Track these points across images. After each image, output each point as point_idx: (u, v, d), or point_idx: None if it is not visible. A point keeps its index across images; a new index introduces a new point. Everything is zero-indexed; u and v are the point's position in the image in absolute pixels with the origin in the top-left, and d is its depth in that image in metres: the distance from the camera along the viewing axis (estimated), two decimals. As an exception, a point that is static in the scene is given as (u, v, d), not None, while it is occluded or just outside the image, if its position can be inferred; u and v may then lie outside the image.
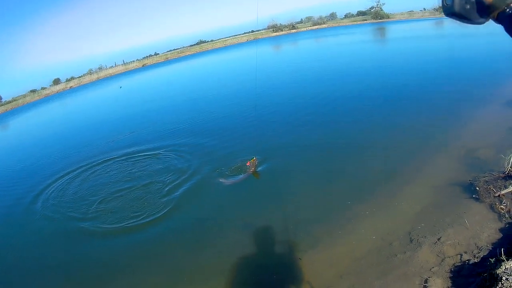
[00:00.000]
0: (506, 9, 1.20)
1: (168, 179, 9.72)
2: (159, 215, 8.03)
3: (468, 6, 1.24)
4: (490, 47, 20.48)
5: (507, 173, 6.88)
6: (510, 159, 6.89)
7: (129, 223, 7.95)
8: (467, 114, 10.33)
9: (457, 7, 1.26)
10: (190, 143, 12.58)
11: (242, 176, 8.76)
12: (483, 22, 1.30)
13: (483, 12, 1.24)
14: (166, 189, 9.21)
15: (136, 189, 9.68)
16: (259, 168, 8.99)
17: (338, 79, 19.15)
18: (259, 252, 6.21)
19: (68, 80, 67.97)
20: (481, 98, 11.39)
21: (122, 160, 12.39)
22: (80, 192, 10.45)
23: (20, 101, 57.12)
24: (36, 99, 57.34)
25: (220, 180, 8.93)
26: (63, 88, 62.67)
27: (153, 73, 53.28)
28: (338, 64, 24.41)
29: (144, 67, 67.40)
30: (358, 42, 36.66)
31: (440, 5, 1.36)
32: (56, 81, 68.27)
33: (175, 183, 9.44)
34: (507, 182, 6.64)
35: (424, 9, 58.58)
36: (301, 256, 5.86)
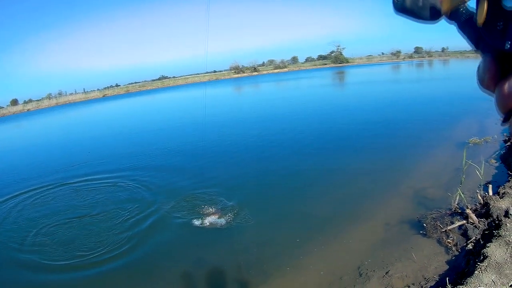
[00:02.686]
0: (460, 9, 1.13)
1: (122, 212, 9.42)
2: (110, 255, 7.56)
3: (420, 3, 1.16)
4: (440, 92, 21.85)
5: (454, 210, 7.18)
6: (456, 197, 7.24)
7: (77, 261, 7.41)
8: (416, 155, 11.00)
9: (408, 3, 1.17)
10: (148, 174, 12.52)
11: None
12: (435, 22, 1.21)
13: (436, 14, 1.16)
14: (120, 222, 8.91)
15: (87, 219, 9.34)
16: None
17: (292, 122, 19.66)
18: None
19: (26, 102, 67.17)
20: (430, 140, 12.13)
21: (67, 188, 12.10)
22: (22, 219, 9.92)
23: None
24: None
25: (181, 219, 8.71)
26: (20, 110, 61.85)
27: (113, 104, 53.51)
28: (294, 107, 25.33)
29: (105, 98, 67.60)
30: (316, 86, 38.47)
31: (391, 0, 1.23)
32: (14, 102, 67.47)
33: (129, 217, 9.13)
34: (454, 219, 6.95)
35: (383, 53, 62.19)
36: None
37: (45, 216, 9.79)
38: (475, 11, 0.99)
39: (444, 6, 1.12)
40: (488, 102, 17.00)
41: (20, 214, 10.33)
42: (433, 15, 1.14)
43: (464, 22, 1.10)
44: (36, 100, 68.94)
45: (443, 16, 1.14)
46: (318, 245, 6.80)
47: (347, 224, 7.48)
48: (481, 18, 0.90)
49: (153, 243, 7.75)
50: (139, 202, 9.99)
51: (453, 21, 1.14)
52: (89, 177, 12.89)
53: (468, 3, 1.12)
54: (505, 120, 0.86)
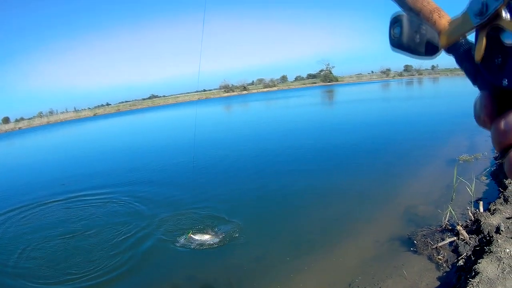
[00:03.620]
0: (459, 41, 1.05)
1: (114, 232, 9.26)
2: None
3: (418, 40, 1.11)
4: (430, 110, 22.08)
5: (444, 227, 7.15)
6: (446, 214, 7.22)
7: (65, 284, 7.16)
8: (406, 173, 11.05)
9: (405, 39, 1.11)
10: (140, 192, 12.44)
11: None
12: (433, 57, 1.12)
13: (433, 49, 1.10)
14: (111, 242, 8.74)
15: (77, 239, 9.14)
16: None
17: (282, 142, 19.59)
18: None
19: (17, 121, 66.84)
20: (420, 158, 12.20)
21: (57, 206, 11.99)
22: (8, 238, 9.72)
23: None
24: None
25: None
26: (12, 128, 61.62)
27: (104, 123, 53.34)
28: (284, 127, 25.40)
29: (95, 116, 67.51)
30: (306, 105, 38.64)
31: (388, 37, 1.15)
32: (5, 120, 67.20)
33: (121, 237, 8.95)
34: (444, 235, 6.93)
35: (372, 72, 62.75)
36: None
37: (33, 235, 9.62)
38: (474, 44, 0.95)
39: (442, 41, 1.06)
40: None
41: (6, 232, 10.17)
42: (431, 50, 1.07)
43: (463, 54, 1.02)
44: (28, 119, 69.23)
45: (441, 50, 1.07)
46: (308, 262, 6.71)
47: (337, 242, 7.41)
48: (479, 54, 0.86)
49: (140, 261, 7.61)
50: (131, 221, 9.86)
51: (451, 54, 1.04)
52: (80, 195, 12.78)
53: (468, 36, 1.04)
54: (500, 157, 0.81)
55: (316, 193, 10.44)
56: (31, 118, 70.01)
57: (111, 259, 7.76)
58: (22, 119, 69.98)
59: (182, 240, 8.27)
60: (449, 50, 1.06)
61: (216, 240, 8.06)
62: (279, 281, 6.30)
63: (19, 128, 62.18)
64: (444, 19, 1.07)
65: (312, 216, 8.90)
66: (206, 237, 8.18)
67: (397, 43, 1.11)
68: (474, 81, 0.98)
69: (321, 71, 70.87)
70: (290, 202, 10.10)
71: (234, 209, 9.82)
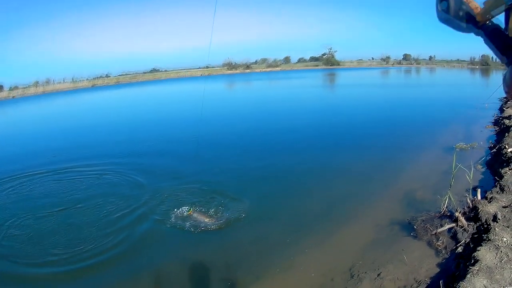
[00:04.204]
0: (487, 22, 1.27)
1: (107, 206, 8.96)
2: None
3: (461, 13, 1.30)
4: (427, 97, 22.12)
5: (443, 213, 7.16)
6: (445, 200, 7.23)
7: (50, 259, 6.85)
8: (406, 158, 11.04)
9: (451, 13, 1.31)
10: (136, 167, 12.07)
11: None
12: (469, 32, 1.35)
13: (472, 23, 1.30)
14: (103, 216, 8.44)
15: (68, 212, 8.80)
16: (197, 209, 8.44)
17: (286, 121, 19.58)
18: None
19: (12, 89, 64.54)
20: (418, 144, 12.21)
21: (55, 175, 11.63)
22: None
23: None
24: None
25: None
26: (5, 96, 59.31)
27: (103, 94, 52.14)
28: (288, 106, 25.23)
29: (94, 87, 65.82)
30: (309, 87, 38.40)
31: (435, 10, 1.39)
32: None
33: (114, 212, 8.66)
34: (443, 221, 6.95)
35: (372, 58, 62.97)
36: None
37: (17, 209, 9.19)
38: (502, 24, 1.23)
39: (478, 18, 1.27)
40: (473, 109, 17.34)
41: None
42: (469, 25, 1.30)
43: (491, 32, 1.24)
44: (22, 88, 66.50)
45: (476, 28, 1.30)
46: (309, 245, 6.71)
47: (337, 225, 7.43)
48: None
49: (137, 241, 7.36)
50: (128, 195, 9.62)
51: (481, 33, 1.29)
52: (73, 166, 12.41)
53: (496, 17, 1.27)
54: None
55: (318, 174, 10.44)
56: (26, 87, 67.44)
57: (103, 238, 7.46)
58: (16, 87, 67.26)
59: (181, 217, 8.04)
60: (480, 29, 1.29)
61: (216, 219, 7.93)
62: (279, 263, 6.27)
63: (13, 96, 59.76)
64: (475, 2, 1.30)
65: (314, 198, 8.87)
66: (206, 215, 8.05)
67: (444, 16, 1.35)
68: (502, 57, 1.18)
69: (323, 54, 70.79)
70: (292, 182, 10.07)
71: (235, 187, 9.71)
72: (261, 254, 6.65)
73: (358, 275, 5.66)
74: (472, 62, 34.85)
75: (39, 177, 11.56)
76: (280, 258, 6.39)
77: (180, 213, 8.19)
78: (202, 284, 6.11)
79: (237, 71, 71.92)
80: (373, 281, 5.49)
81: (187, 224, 7.73)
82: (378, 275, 5.61)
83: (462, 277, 5.15)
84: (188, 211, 8.14)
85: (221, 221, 7.79)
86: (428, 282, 5.32)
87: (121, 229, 7.82)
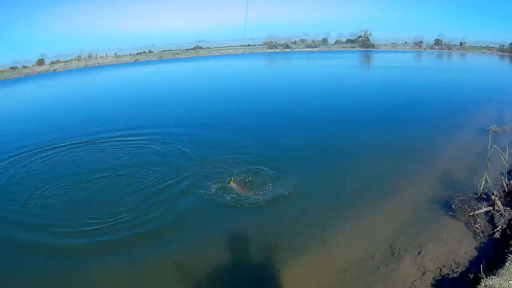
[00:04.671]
0: None
1: (148, 177, 8.93)
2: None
3: None
4: (460, 81, 21.67)
5: (479, 195, 7.11)
6: (482, 182, 7.15)
7: (86, 228, 6.89)
8: (441, 138, 10.93)
9: None
10: (179, 138, 12.04)
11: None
12: None
13: None
14: (143, 187, 8.40)
15: (107, 181, 8.81)
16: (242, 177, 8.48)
17: (330, 99, 19.29)
18: (236, 264, 5.90)
19: (53, 63, 62.92)
20: (453, 125, 12.04)
21: (95, 144, 11.68)
22: (34, 178, 9.35)
23: None
24: (15, 76, 52.44)
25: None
26: (46, 70, 57.71)
27: (146, 69, 50.87)
28: (328, 84, 24.52)
29: (137, 62, 64.49)
30: (348, 67, 37.29)
31: None
32: (40, 62, 62.67)
33: (155, 183, 8.63)
34: (480, 203, 6.90)
35: (406, 42, 61.94)
36: (280, 268, 5.63)
37: (55, 177, 9.26)
38: None
39: None
40: (503, 94, 16.87)
41: (30, 172, 9.77)
42: None
43: None
44: (64, 62, 63.94)
45: None
46: (351, 220, 6.72)
47: (378, 200, 7.40)
48: None
49: (178, 212, 7.36)
50: (169, 165, 9.62)
51: None
52: (115, 136, 12.44)
53: None
54: None
55: (359, 151, 10.34)
56: (68, 61, 64.97)
57: (140, 205, 7.53)
58: (58, 61, 64.68)
59: (224, 189, 7.96)
60: None
61: (259, 191, 7.89)
62: (320, 239, 6.29)
63: (54, 70, 57.71)
64: None
65: (356, 173, 8.80)
66: (248, 188, 8.00)
67: None
68: None
69: (359, 37, 70.03)
70: (334, 159, 10.03)
71: (279, 160, 9.60)
72: (302, 228, 6.65)
73: (399, 252, 5.70)
74: (501, 49, 33.68)
75: (79, 146, 11.60)
76: (322, 233, 6.42)
77: (223, 185, 8.11)
78: (241, 257, 6.12)
79: (277, 50, 70.78)
80: (413, 259, 5.53)
81: (230, 197, 7.68)
82: (419, 253, 5.65)
83: (501, 264, 5.16)
84: (230, 181, 8.05)
85: (264, 194, 7.77)
86: (468, 265, 5.34)
87: (162, 200, 7.80)
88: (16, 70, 57.01)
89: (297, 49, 71.29)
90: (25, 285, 5.64)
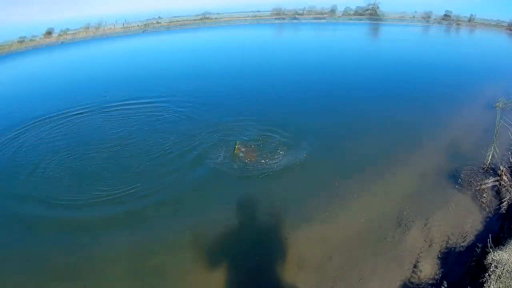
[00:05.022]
0: None
1: (156, 145, 8.80)
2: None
3: None
4: (468, 54, 21.24)
5: (486, 168, 7.00)
6: (489, 156, 7.01)
7: (92, 200, 6.78)
8: (450, 111, 10.71)
9: None
10: (187, 106, 11.74)
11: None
12: None
13: None
14: (153, 155, 8.30)
15: (116, 150, 8.66)
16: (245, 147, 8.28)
17: (337, 70, 18.52)
18: (244, 231, 5.84)
19: (61, 34, 61.26)
20: (462, 98, 11.84)
21: (103, 113, 11.46)
22: (42, 148, 9.14)
23: (5, 49, 50.06)
24: (22, 49, 51.15)
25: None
26: (54, 40, 56.46)
27: (154, 39, 49.61)
28: (340, 58, 23.83)
29: (145, 33, 62.63)
30: (356, 39, 36.08)
31: None
32: (48, 33, 61.03)
33: (165, 151, 8.50)
34: (487, 177, 6.86)
35: (415, 13, 60.90)
36: (287, 235, 5.58)
37: (61, 147, 9.09)
38: None
39: None
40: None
41: (36, 142, 9.53)
42: None
43: None
44: (72, 33, 61.67)
45: None
46: (358, 190, 6.61)
47: (386, 171, 7.25)
48: None
49: (186, 183, 7.21)
50: (177, 134, 9.37)
51: None
52: (122, 104, 12.12)
53: None
54: None
55: (369, 123, 10.02)
56: (76, 30, 62.46)
57: (149, 179, 7.34)
58: (67, 30, 62.07)
59: (233, 156, 7.84)
60: None
61: (267, 158, 7.75)
62: (327, 207, 6.20)
63: (62, 41, 55.65)
64: None
65: (364, 145, 8.59)
66: (253, 151, 7.88)
67: None
68: None
69: (367, 9, 69.02)
70: (344, 129, 9.75)
71: (287, 127, 9.39)
72: (309, 196, 6.55)
73: (406, 223, 5.62)
74: (510, 27, 32.78)
75: (87, 115, 11.33)
76: (329, 201, 6.32)
77: (230, 153, 7.96)
78: (249, 222, 6.07)
79: (285, 20, 69.01)
80: (420, 230, 5.45)
81: (237, 165, 7.55)
82: (425, 224, 5.57)
83: (508, 238, 5.10)
84: (234, 148, 7.90)
85: (272, 162, 7.63)
86: (474, 238, 5.29)
87: (171, 171, 7.63)
88: (24, 43, 55.36)
89: (304, 20, 70.13)
90: (33, 259, 5.50)
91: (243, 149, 7.92)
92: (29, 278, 5.14)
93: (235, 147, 7.91)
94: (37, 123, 10.82)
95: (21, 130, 10.38)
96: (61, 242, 5.80)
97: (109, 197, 6.73)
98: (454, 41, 26.15)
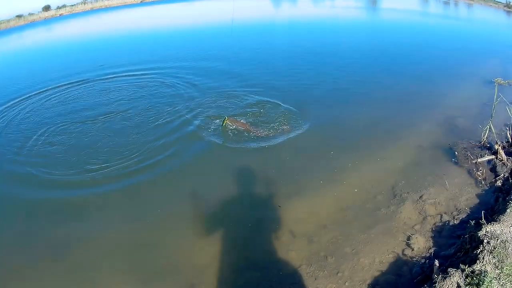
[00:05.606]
0: None
1: (151, 116, 8.72)
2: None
3: None
4: (470, 29, 20.92)
5: (483, 144, 6.89)
6: (486, 130, 6.89)
7: (86, 175, 6.64)
8: (447, 85, 10.41)
9: None
10: (181, 75, 11.70)
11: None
12: None
13: None
14: (146, 126, 8.18)
15: (110, 120, 8.60)
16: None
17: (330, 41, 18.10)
18: (237, 201, 5.76)
19: (59, 8, 59.98)
20: (459, 73, 11.56)
21: (92, 86, 11.35)
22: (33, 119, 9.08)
23: (3, 25, 49.13)
24: (20, 24, 50.08)
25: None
26: (52, 15, 54.81)
27: (152, 9, 48.50)
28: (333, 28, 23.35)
29: (143, 2, 60.92)
30: (351, 8, 35.24)
31: None
32: (46, 8, 59.40)
33: (159, 122, 8.41)
34: (483, 152, 6.71)
35: None
36: (281, 204, 5.50)
37: (58, 117, 9.05)
38: None
39: None
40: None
41: (34, 113, 9.51)
42: None
43: None
44: (70, 6, 59.87)
45: None
46: (352, 160, 6.50)
47: (381, 142, 7.17)
48: None
49: (181, 157, 7.06)
50: (171, 103, 9.32)
51: None
52: (118, 75, 12.09)
53: None
54: None
55: (366, 95, 9.84)
56: (74, 5, 60.60)
57: (143, 146, 7.30)
58: (64, 6, 60.17)
59: (227, 127, 7.68)
60: None
61: (261, 127, 7.68)
62: (322, 176, 6.10)
63: (60, 14, 53.72)
64: None
65: (359, 114, 8.46)
66: (247, 125, 7.73)
67: None
68: None
69: None
70: (340, 101, 9.58)
71: (279, 96, 9.31)
72: (303, 165, 6.46)
73: (401, 195, 5.52)
74: (507, 5, 32.13)
75: (81, 86, 11.32)
76: (323, 171, 6.22)
77: (221, 125, 7.78)
78: (244, 194, 5.95)
79: None
80: (415, 203, 5.36)
81: (231, 137, 7.45)
82: (420, 197, 5.47)
83: (502, 211, 5.03)
84: (223, 121, 7.67)
85: (266, 129, 7.58)
86: (468, 212, 5.21)
87: (165, 142, 7.52)
88: (22, 18, 54.08)
89: None
90: (27, 242, 5.32)
91: (236, 123, 7.74)
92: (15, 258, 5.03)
93: (222, 122, 7.70)
94: (28, 96, 10.84)
95: (13, 101, 10.41)
96: (53, 218, 5.73)
97: (105, 170, 6.64)
98: (453, 15, 25.64)
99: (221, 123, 7.68)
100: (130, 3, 61.19)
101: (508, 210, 4.92)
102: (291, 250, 4.72)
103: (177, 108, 9.00)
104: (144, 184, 6.28)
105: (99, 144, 7.53)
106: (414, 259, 4.48)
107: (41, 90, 11.24)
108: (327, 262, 4.52)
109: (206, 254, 4.77)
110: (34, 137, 8.07)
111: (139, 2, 62.21)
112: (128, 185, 6.27)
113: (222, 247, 4.85)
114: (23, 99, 10.64)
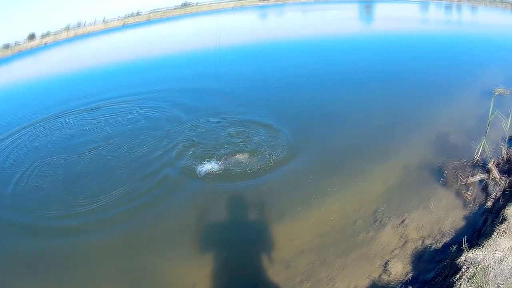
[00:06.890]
0: None
1: (136, 148, 8.72)
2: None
3: None
4: (469, 37, 20.40)
5: (476, 162, 6.69)
6: (479, 148, 6.68)
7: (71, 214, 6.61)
8: (441, 99, 10.17)
9: None
10: (164, 104, 11.79)
11: None
12: None
13: None
14: (132, 159, 8.21)
15: (94, 155, 8.69)
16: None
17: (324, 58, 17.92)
18: (217, 229, 5.81)
19: (44, 36, 62.39)
20: (456, 85, 11.27)
21: (78, 117, 11.54)
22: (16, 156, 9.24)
23: None
24: (8, 54, 52.16)
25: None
26: (37, 44, 57.17)
27: (134, 32, 49.56)
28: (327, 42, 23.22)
29: (125, 26, 62.71)
30: (344, 19, 35.08)
31: None
32: (31, 37, 62.12)
33: (144, 153, 8.42)
34: (475, 171, 6.49)
35: None
36: (259, 232, 5.54)
37: (43, 153, 9.13)
38: None
39: None
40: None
41: (19, 149, 9.64)
42: None
43: None
44: (54, 34, 62.51)
45: None
46: (333, 185, 6.43)
47: (365, 164, 7.05)
48: None
49: (164, 186, 7.04)
50: (156, 132, 9.41)
51: None
52: (104, 104, 12.34)
53: None
54: None
55: (352, 109, 9.85)
56: (58, 32, 63.32)
57: (129, 180, 7.26)
58: (48, 34, 63.00)
59: (212, 153, 7.72)
60: None
61: (240, 153, 7.65)
62: (302, 200, 6.08)
63: (45, 43, 56.04)
64: None
65: (341, 136, 8.39)
66: (231, 151, 7.76)
67: None
68: None
69: None
70: (324, 117, 9.55)
71: (257, 123, 9.23)
72: (283, 190, 6.44)
73: (382, 219, 5.44)
74: None
75: (71, 117, 11.52)
76: (303, 196, 6.18)
77: (211, 149, 7.87)
78: (221, 216, 5.99)
79: (270, 1, 65.98)
80: (396, 227, 5.26)
81: (208, 166, 7.31)
82: (402, 221, 5.37)
83: (488, 234, 4.85)
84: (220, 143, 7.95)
85: (245, 155, 7.56)
86: (453, 235, 5.05)
87: (148, 170, 7.59)
88: (10, 48, 56.34)
89: (291, 0, 66.74)
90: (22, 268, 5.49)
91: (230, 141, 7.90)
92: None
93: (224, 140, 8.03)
94: (13, 131, 11.03)
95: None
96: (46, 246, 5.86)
97: (94, 205, 6.65)
98: (455, 21, 25.05)
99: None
100: (112, 27, 62.94)
101: (494, 234, 4.75)
102: (268, 275, 4.73)
103: (161, 140, 8.92)
104: (134, 211, 6.35)
105: (87, 180, 7.53)
106: (391, 284, 4.39)
107: (23, 127, 11.30)
108: (302, 287, 4.48)
109: (186, 277, 4.85)
110: (26, 173, 8.15)
111: (121, 25, 63.82)
112: (119, 220, 6.25)
113: (200, 274, 4.86)
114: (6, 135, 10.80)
